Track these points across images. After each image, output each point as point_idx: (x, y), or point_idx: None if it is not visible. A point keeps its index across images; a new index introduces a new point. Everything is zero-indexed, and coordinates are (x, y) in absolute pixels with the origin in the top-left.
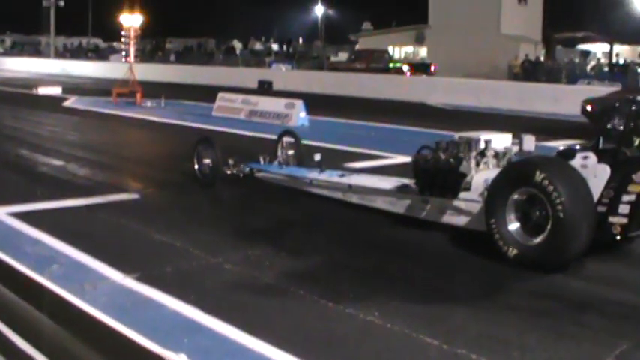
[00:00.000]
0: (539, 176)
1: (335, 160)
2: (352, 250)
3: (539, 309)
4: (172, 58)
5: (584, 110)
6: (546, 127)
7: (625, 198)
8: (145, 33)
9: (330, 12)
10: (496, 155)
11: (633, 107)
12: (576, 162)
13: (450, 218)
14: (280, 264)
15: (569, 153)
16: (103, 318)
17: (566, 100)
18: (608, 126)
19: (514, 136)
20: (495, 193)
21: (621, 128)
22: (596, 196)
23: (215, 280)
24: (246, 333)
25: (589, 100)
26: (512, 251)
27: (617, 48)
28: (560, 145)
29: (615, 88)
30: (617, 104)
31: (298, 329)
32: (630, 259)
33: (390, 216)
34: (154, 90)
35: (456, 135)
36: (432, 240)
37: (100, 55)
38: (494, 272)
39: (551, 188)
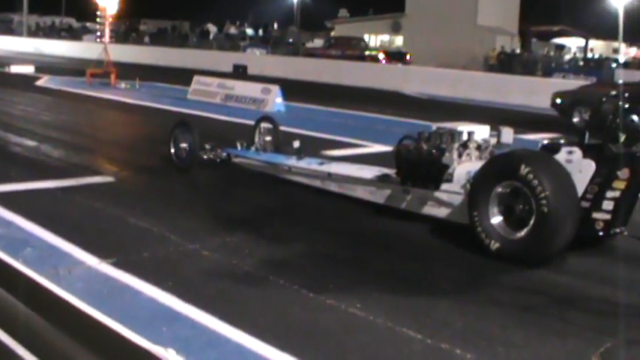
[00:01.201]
0: (524, 170)
1: (312, 148)
2: (333, 240)
3: (523, 304)
4: (146, 39)
5: (554, 103)
6: (522, 119)
7: (609, 194)
8: (119, 14)
9: None
10: (478, 147)
11: (620, 103)
12: (561, 156)
13: (431, 209)
14: (259, 252)
15: (555, 147)
16: (80, 305)
17: (541, 93)
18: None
19: (492, 128)
20: (479, 185)
21: (602, 123)
22: (580, 192)
23: (193, 267)
24: (226, 323)
25: (559, 93)
26: (495, 245)
27: (592, 43)
28: (537, 137)
29: (589, 82)
30: (603, 99)
31: (279, 320)
32: (613, 256)
33: (369, 205)
34: (128, 71)
35: (434, 125)
36: (413, 231)
37: (73, 34)
38: (476, 265)
39: (536, 182)
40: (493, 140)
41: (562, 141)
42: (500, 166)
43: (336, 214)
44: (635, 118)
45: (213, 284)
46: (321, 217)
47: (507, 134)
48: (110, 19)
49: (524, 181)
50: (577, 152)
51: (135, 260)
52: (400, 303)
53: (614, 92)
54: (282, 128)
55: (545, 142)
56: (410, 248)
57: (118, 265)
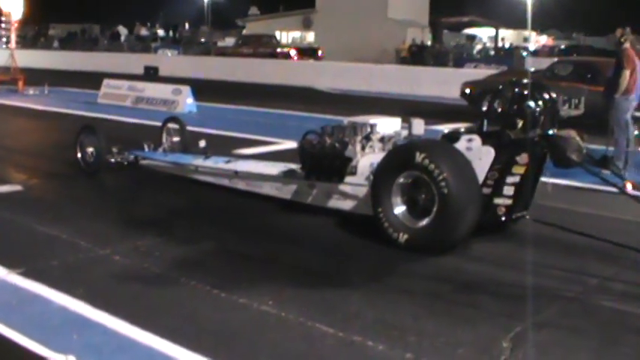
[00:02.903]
0: (419, 157)
1: (224, 147)
2: (243, 238)
3: (433, 292)
4: (56, 44)
5: (463, 93)
6: (433, 110)
7: (509, 179)
8: (26, 17)
9: None
10: (382, 139)
11: (516, 90)
12: (461, 144)
13: (337, 202)
14: (171, 254)
15: (454, 136)
16: None
17: (453, 84)
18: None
19: (403, 120)
20: (380, 177)
21: (500, 110)
22: (481, 178)
23: (104, 272)
24: (138, 327)
25: (468, 83)
26: (403, 237)
27: (503, 32)
28: (448, 127)
29: (499, 71)
30: (500, 87)
31: (191, 321)
32: (517, 240)
33: (278, 202)
34: (37, 77)
35: (346, 120)
36: (320, 225)
37: None
38: (384, 256)
39: (432, 166)
40: (404, 132)
41: (462, 129)
42: (397, 157)
43: (245, 211)
44: (531, 104)
45: (124, 289)
46: (230, 215)
47: (418, 126)
48: (16, 25)
49: (421, 167)
50: (476, 140)
51: (44, 269)
52: (312, 298)
53: (514, 79)
54: (194, 129)
55: (446, 131)
56: (319, 242)
57: (27, 274)
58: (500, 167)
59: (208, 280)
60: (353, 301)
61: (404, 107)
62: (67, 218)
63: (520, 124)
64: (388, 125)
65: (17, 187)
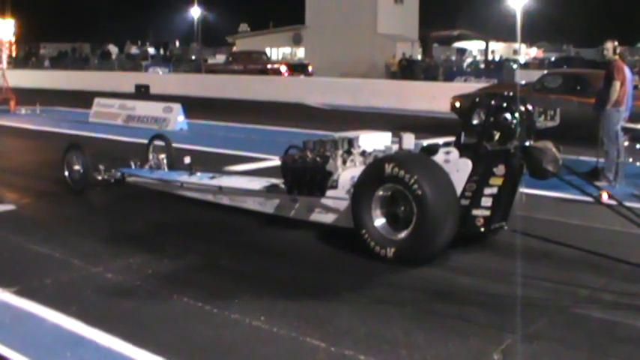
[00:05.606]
0: (388, 168)
1: (215, 164)
2: (233, 254)
3: (423, 305)
4: (47, 63)
5: (453, 107)
6: (424, 124)
7: (487, 191)
8: (18, 38)
9: (207, 14)
10: (363, 153)
11: (493, 102)
12: (439, 157)
13: (319, 216)
14: (163, 271)
15: (432, 148)
16: None
17: (443, 98)
18: (475, 121)
19: (394, 135)
20: (359, 194)
21: (476, 122)
22: (459, 190)
23: (97, 290)
24: (131, 344)
25: (458, 97)
26: (391, 251)
27: (493, 45)
28: (439, 141)
29: (489, 84)
30: (477, 99)
31: (184, 337)
32: (502, 252)
33: (264, 217)
34: (28, 97)
35: (336, 135)
36: (308, 239)
37: None
38: (371, 269)
39: (402, 173)
40: (395, 147)
41: (441, 142)
42: (371, 172)
43: (233, 227)
44: (508, 116)
45: (117, 306)
46: (219, 231)
47: (408, 140)
48: (7, 45)
49: (393, 177)
50: (454, 152)
51: (37, 287)
52: (303, 313)
53: (490, 91)
54: (185, 146)
55: (424, 144)
56: (307, 257)
57: (20, 293)
58: (478, 179)
59: (200, 297)
60: (344, 316)
61: (394, 122)
62: (59, 237)
63: (497, 135)
64: (379, 140)
65: (10, 207)
